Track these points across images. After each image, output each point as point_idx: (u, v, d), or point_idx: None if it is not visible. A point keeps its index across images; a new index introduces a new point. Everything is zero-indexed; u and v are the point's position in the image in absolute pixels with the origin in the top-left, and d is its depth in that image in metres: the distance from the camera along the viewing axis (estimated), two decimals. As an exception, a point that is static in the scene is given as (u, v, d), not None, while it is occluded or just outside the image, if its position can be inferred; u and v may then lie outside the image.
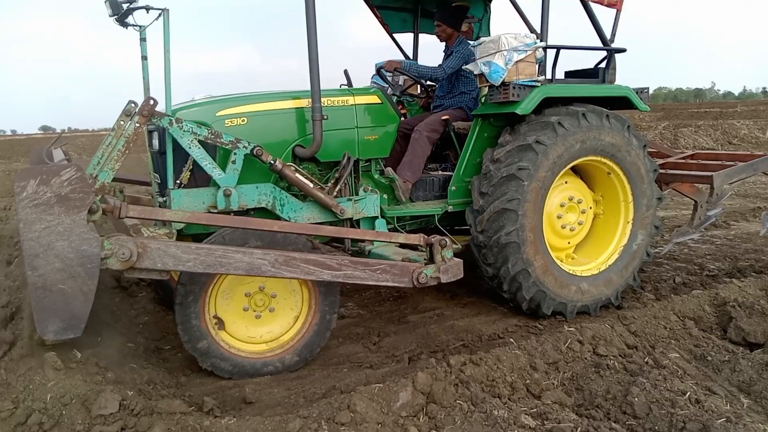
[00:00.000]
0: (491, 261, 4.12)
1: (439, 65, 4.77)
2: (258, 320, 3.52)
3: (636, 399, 2.86)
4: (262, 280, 3.41)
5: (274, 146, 3.79)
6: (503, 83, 4.00)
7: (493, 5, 5.46)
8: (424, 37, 5.65)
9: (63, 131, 5.12)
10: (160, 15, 3.34)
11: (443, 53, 5.01)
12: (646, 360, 3.37)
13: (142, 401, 2.56)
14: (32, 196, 2.41)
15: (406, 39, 5.65)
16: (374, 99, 4.28)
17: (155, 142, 3.86)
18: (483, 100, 4.35)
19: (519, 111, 4.00)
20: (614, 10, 4.49)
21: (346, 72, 4.76)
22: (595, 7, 4.48)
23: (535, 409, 2.88)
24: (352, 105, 4.15)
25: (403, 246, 3.71)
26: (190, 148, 3.48)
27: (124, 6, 3.37)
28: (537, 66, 4.14)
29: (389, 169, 4.27)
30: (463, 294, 4.96)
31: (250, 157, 3.59)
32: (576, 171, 4.53)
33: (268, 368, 3.47)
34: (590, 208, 4.58)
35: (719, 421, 2.62)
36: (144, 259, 2.68)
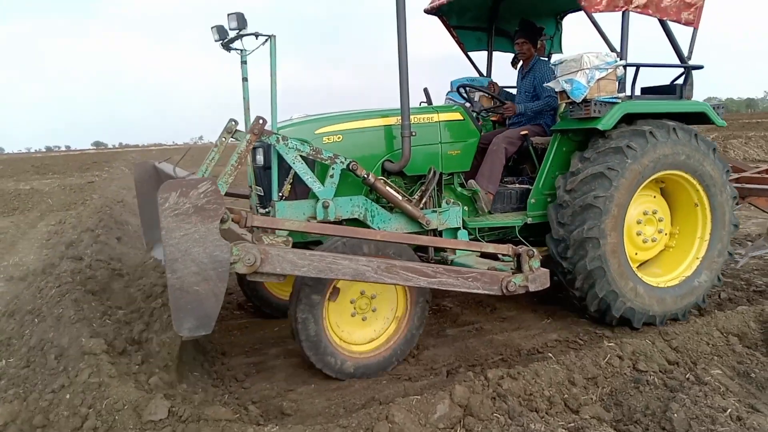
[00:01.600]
0: (575, 284, 4.25)
1: (544, 96, 4.92)
2: (364, 322, 3.81)
3: (675, 415, 2.85)
4: (362, 285, 3.71)
5: (366, 161, 4.04)
6: (585, 100, 4.14)
7: (564, 22, 5.71)
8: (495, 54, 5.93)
9: (188, 145, 5.30)
10: (266, 40, 3.64)
11: (519, 72, 5.35)
12: (687, 376, 3.34)
13: (190, 408, 2.69)
14: (173, 206, 2.67)
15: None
16: (457, 116, 4.45)
17: (259, 158, 4.15)
18: (561, 117, 4.55)
19: (600, 126, 4.16)
20: (691, 29, 4.55)
21: (426, 90, 5.02)
22: (672, 25, 4.51)
23: (572, 424, 2.90)
24: (436, 122, 4.35)
25: (483, 256, 3.91)
26: (294, 163, 3.77)
27: (232, 33, 3.69)
28: (617, 83, 4.25)
29: (472, 182, 4.48)
30: (503, 308, 4.98)
31: (345, 172, 3.84)
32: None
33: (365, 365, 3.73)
34: (667, 219, 4.67)
35: (760, 438, 2.59)
36: (266, 264, 2.94)
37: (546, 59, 5.30)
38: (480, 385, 3.10)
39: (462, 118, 4.45)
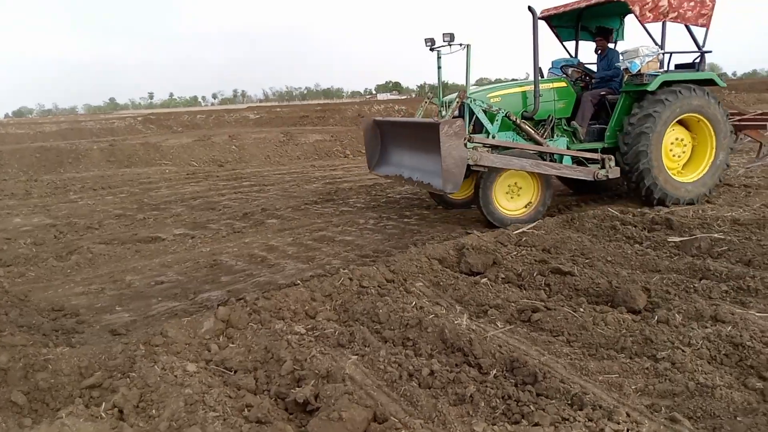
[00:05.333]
0: (630, 173, 7.17)
1: (610, 68, 7.85)
2: (511, 199, 6.85)
3: (380, 311, 4.00)
4: (516, 178, 6.80)
5: (514, 111, 7.02)
6: (639, 73, 7.18)
7: (625, 19, 8.42)
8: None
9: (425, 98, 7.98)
10: (463, 47, 6.69)
11: (597, 56, 8.13)
12: (399, 289, 4.55)
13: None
14: (447, 131, 5.97)
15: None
16: (562, 84, 7.54)
17: (456, 112, 6.89)
18: (625, 83, 7.43)
19: (649, 88, 7.06)
20: (704, 29, 7.41)
21: (540, 69, 7.37)
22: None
23: (310, 325, 3.91)
24: (551, 88, 7.41)
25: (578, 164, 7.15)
26: (478, 113, 6.82)
27: (443, 40, 6.66)
28: (658, 63, 7.51)
29: (574, 123, 7.45)
30: (271, 259, 5.90)
31: (503, 118, 6.82)
32: (682, 123, 7.49)
33: (517, 220, 6.59)
34: (689, 143, 7.61)
35: (429, 317, 3.81)
36: (480, 160, 6.31)
37: (614, 48, 8.09)
38: (239, 306, 3.98)
39: (565, 85, 7.52)
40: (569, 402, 2.77)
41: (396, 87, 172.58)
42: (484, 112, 6.80)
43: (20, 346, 3.20)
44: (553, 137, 7.29)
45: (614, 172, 6.98)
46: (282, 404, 2.97)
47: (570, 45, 8.67)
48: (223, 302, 4.31)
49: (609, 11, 7.94)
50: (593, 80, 7.98)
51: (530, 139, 6.95)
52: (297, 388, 2.98)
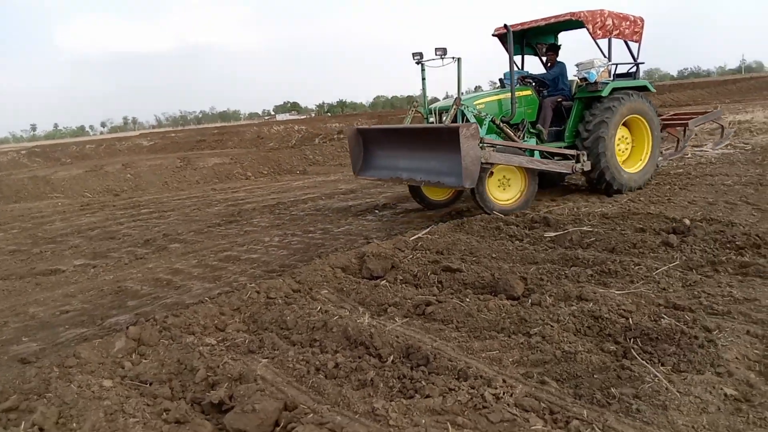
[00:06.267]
0: (592, 173, 8.47)
1: (549, 76, 9.17)
2: (503, 190, 8.00)
3: (288, 318, 4.27)
4: (504, 173, 7.94)
5: (496, 116, 8.18)
6: (594, 82, 8.49)
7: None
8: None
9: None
10: (454, 60, 7.73)
11: (545, 67, 9.61)
12: (306, 297, 4.84)
13: None
14: (465, 134, 6.78)
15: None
16: (529, 92, 8.75)
17: (447, 118, 7.88)
18: (578, 90, 8.80)
19: (603, 94, 8.47)
20: (637, 44, 9.10)
21: (500, 80, 9.41)
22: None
23: (221, 336, 4.12)
24: (521, 96, 8.51)
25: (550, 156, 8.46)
26: (471, 118, 7.93)
27: (436, 54, 7.61)
28: (608, 73, 8.91)
29: (539, 126, 8.61)
30: (177, 282, 6.00)
31: (489, 122, 8.01)
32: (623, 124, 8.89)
33: (507, 209, 7.69)
34: (630, 140, 9.19)
35: (334, 318, 4.13)
36: (490, 158, 7.33)
37: (560, 60, 9.31)
38: (150, 324, 4.12)
39: (531, 93, 8.75)
40: (456, 376, 3.18)
41: (295, 107, 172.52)
42: (475, 117, 7.96)
43: (-74, 379, 3.20)
44: (524, 139, 8.53)
45: (587, 166, 8.28)
46: (198, 408, 3.17)
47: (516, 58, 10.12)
48: (132, 323, 4.41)
49: (555, 29, 9.60)
50: (547, 89, 9.16)
51: (509, 140, 8.13)
52: (212, 392, 3.20)
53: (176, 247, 7.68)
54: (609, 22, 8.50)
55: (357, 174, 8.85)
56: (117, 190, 15.42)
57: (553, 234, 6.15)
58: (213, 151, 26.39)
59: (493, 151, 7.53)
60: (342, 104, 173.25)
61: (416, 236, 6.43)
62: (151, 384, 3.44)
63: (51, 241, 8.78)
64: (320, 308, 4.40)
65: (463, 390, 2.97)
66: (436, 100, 9.23)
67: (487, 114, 8.03)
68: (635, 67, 9.29)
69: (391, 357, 3.48)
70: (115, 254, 7.51)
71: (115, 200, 13.65)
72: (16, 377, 3.40)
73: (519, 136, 8.33)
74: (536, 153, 8.39)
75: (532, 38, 9.66)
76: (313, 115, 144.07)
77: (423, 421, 2.74)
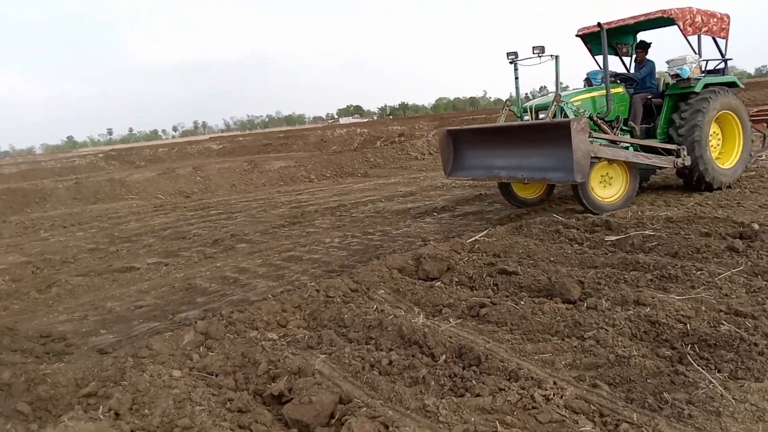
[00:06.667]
0: (688, 170, 8.44)
1: (640, 75, 9.28)
2: (605, 188, 7.98)
3: (345, 316, 4.42)
4: (606, 170, 7.94)
5: (591, 113, 8.14)
6: (687, 78, 8.52)
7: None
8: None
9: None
10: (552, 58, 7.83)
11: (635, 65, 9.54)
12: (363, 297, 4.98)
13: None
14: (576, 128, 6.76)
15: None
16: (620, 90, 8.84)
17: (547, 115, 8.13)
18: (669, 87, 8.91)
19: (696, 89, 8.50)
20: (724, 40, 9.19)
21: (588, 80, 9.30)
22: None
23: (282, 332, 4.31)
24: (613, 93, 8.51)
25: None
26: (570, 114, 7.82)
27: (533, 52, 7.72)
28: (699, 69, 8.86)
29: (630, 122, 8.72)
30: (243, 280, 6.28)
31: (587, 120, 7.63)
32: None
33: (609, 207, 7.74)
34: (720, 136, 9.16)
35: (389, 318, 4.24)
36: (599, 152, 7.30)
37: (651, 59, 9.37)
38: (216, 319, 4.37)
39: (622, 91, 8.84)
40: (507, 377, 3.23)
41: (358, 110, 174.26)
42: (574, 113, 7.95)
43: (20, 363, 3.53)
44: (618, 132, 8.61)
45: (687, 161, 8.20)
46: (260, 399, 3.36)
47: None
48: (201, 318, 4.68)
49: (642, 28, 9.63)
50: (635, 86, 9.23)
51: (604, 132, 8.20)
52: (272, 384, 3.38)
53: (243, 246, 8.00)
54: (698, 18, 8.61)
55: (448, 175, 8.96)
56: (188, 192, 16.11)
57: (614, 238, 6.05)
58: (278, 154, 27.12)
59: (600, 145, 7.56)
60: (404, 107, 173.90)
61: (473, 239, 6.47)
62: (216, 375, 3.66)
63: (127, 240, 9.32)
64: (376, 307, 4.53)
65: (513, 390, 3.02)
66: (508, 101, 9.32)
67: (585, 111, 8.09)
68: (723, 64, 9.35)
69: (444, 356, 3.57)
70: (186, 253, 7.90)
71: (186, 202, 14.28)
72: (94, 366, 3.69)
73: (615, 132, 8.40)
74: (632, 149, 8.45)
75: (612, 38, 9.57)
76: (375, 118, 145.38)
77: (472, 419, 2.82)
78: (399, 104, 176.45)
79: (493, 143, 8.53)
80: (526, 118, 8.58)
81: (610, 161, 7.84)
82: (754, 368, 3.06)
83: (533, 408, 2.85)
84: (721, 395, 2.82)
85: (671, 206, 7.92)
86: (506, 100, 9.15)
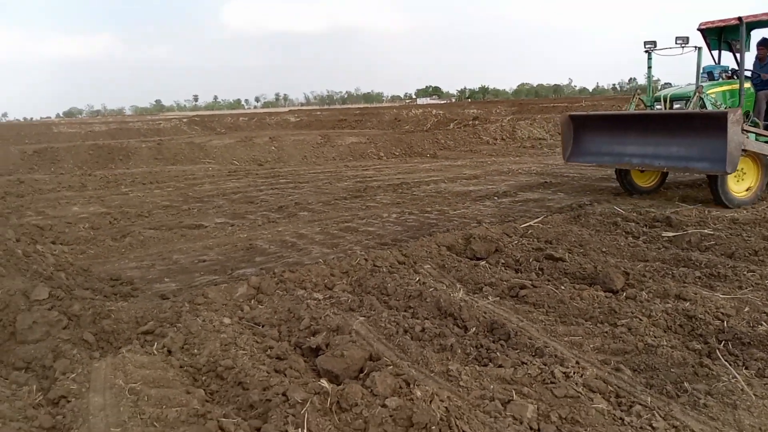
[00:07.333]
0: None
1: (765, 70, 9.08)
2: (738, 182, 7.83)
3: (389, 285, 4.62)
4: (741, 165, 7.38)
5: (727, 103, 8.28)
6: None
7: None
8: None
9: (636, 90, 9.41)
10: (695, 49, 8.15)
11: (756, 63, 9.17)
12: (409, 269, 5.17)
13: (64, 292, 3.93)
14: (732, 119, 6.74)
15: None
16: (747, 85, 8.47)
17: (690, 105, 7.97)
18: None
19: None
20: None
21: (710, 74, 9.16)
22: None
23: (328, 293, 4.57)
24: (746, 87, 8.37)
25: None
26: (710, 106, 7.87)
27: (676, 42, 7.95)
28: None
29: (754, 118, 8.50)
30: (300, 245, 6.60)
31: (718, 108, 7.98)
32: None
33: (743, 201, 7.72)
34: None
35: (430, 290, 4.41)
36: (748, 145, 7.27)
37: None
38: (269, 277, 4.67)
39: (749, 86, 8.52)
40: (532, 353, 3.35)
41: (436, 91, 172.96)
42: (712, 105, 8.02)
43: (89, 299, 3.94)
44: (752, 124, 8.55)
45: None
46: (299, 351, 3.62)
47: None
48: (255, 274, 5.00)
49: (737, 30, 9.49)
50: (757, 82, 9.11)
51: None
52: (312, 338, 3.63)
53: (304, 215, 8.34)
54: None
55: (567, 160, 9.20)
56: (261, 161, 16.70)
57: (671, 234, 5.96)
58: (352, 130, 27.54)
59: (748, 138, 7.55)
60: (484, 90, 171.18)
61: (527, 224, 6.51)
62: (262, 326, 3.95)
63: (199, 201, 9.86)
64: (419, 279, 4.71)
65: (534, 365, 3.14)
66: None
67: (721, 103, 8.15)
68: None
69: (474, 329, 3.71)
70: (252, 216, 8.31)
71: (258, 169, 14.84)
72: (154, 307, 4.07)
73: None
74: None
75: (728, 35, 9.51)
76: (453, 100, 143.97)
77: (492, 386, 2.96)
78: (479, 88, 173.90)
79: (624, 131, 8.60)
80: (657, 107, 8.59)
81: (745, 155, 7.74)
82: (784, 369, 3.04)
83: (551, 383, 2.97)
84: (742, 390, 2.84)
85: (740, 209, 7.64)
86: (636, 89, 9.66)
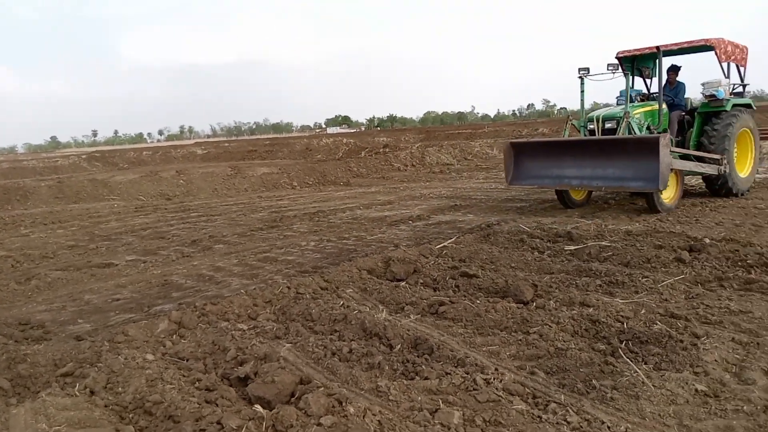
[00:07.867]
0: (714, 177, 9.55)
1: (674, 96, 10.24)
2: (664, 191, 8.44)
3: (313, 311, 4.70)
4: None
5: (648, 122, 9.41)
6: (720, 99, 9.61)
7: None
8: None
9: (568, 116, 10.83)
10: (625, 75, 9.70)
11: (665, 87, 9.99)
12: (332, 294, 5.26)
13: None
14: (663, 143, 7.74)
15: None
16: (663, 106, 9.56)
17: (620, 129, 8.98)
18: (701, 105, 9.94)
19: (727, 108, 9.65)
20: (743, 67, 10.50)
21: (629, 97, 9.85)
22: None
23: (252, 323, 4.58)
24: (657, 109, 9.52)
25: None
26: (635, 128, 8.94)
27: (608, 69, 8.94)
28: (729, 91, 9.99)
29: (669, 136, 8.75)
30: (218, 277, 6.53)
31: (644, 128, 9.19)
32: None
33: (669, 207, 8.82)
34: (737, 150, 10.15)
35: (354, 313, 4.53)
36: (673, 164, 8.26)
37: (681, 81, 10.38)
38: (190, 310, 4.63)
39: (665, 107, 9.55)
40: (454, 364, 3.53)
41: (346, 120, 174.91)
42: (638, 126, 9.05)
43: (1, 343, 3.76)
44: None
45: (727, 168, 9.38)
46: (227, 381, 3.61)
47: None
48: (175, 309, 4.93)
49: (650, 58, 10.59)
50: (669, 104, 10.25)
51: None
52: (239, 368, 3.65)
53: (220, 247, 8.24)
54: (729, 48, 9.91)
55: (509, 183, 10.02)
56: (170, 195, 16.28)
57: (573, 247, 6.41)
58: (263, 161, 27.35)
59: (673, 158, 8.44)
60: (392, 119, 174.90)
61: (442, 245, 6.79)
62: (187, 360, 3.91)
63: (106, 239, 9.50)
64: (343, 303, 4.82)
65: (458, 374, 3.33)
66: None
67: (645, 122, 9.27)
68: (742, 87, 10.73)
69: (399, 346, 3.86)
70: (164, 252, 8.11)
71: (167, 204, 14.45)
72: (72, 349, 3.93)
73: None
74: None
75: (640, 62, 10.70)
76: (363, 129, 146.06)
77: (419, 398, 3.11)
78: (387, 116, 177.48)
79: (562, 155, 9.37)
80: (591, 127, 9.52)
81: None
82: (677, 361, 3.39)
83: (474, 389, 3.15)
84: (643, 382, 3.14)
85: (633, 221, 8.30)
86: (569, 115, 10.28)
